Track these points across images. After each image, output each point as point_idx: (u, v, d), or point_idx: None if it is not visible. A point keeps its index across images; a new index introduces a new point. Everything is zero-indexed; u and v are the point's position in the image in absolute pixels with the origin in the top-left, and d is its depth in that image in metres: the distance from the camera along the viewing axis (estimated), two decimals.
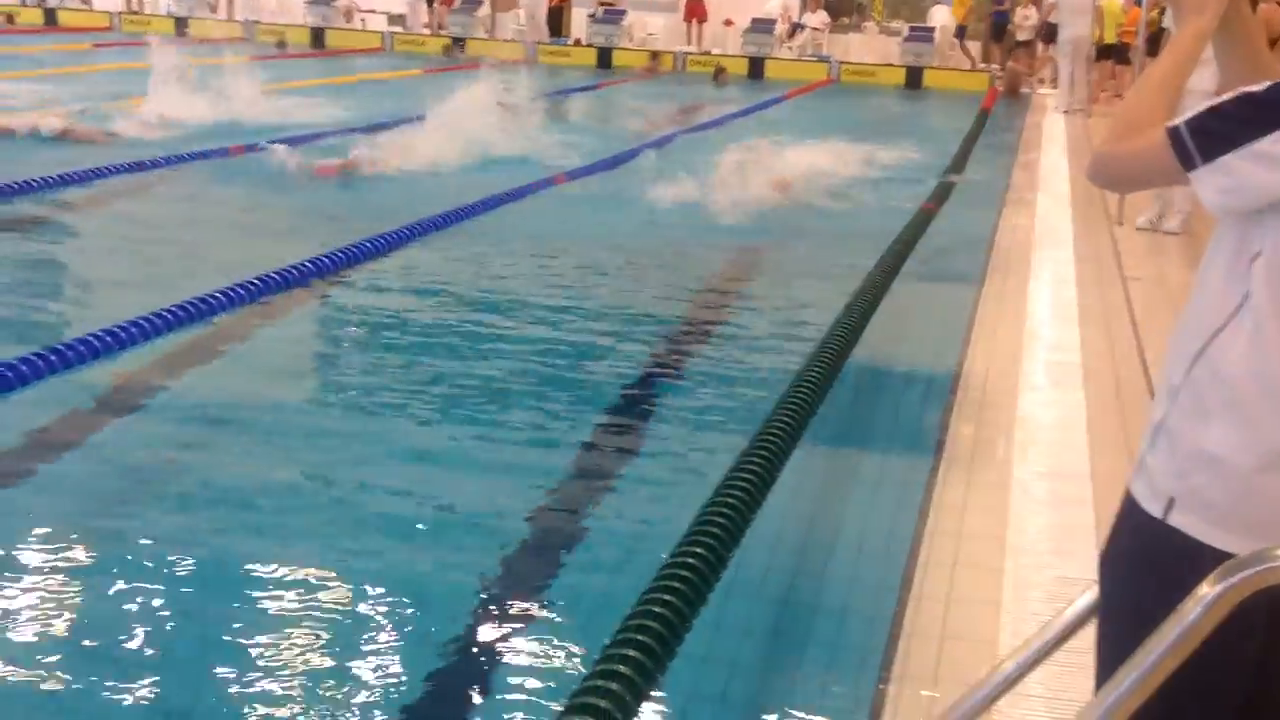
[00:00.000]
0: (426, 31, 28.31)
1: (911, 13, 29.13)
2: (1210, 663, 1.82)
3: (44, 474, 5.03)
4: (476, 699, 3.62)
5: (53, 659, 3.61)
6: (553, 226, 9.86)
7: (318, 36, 27.31)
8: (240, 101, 14.43)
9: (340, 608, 3.99)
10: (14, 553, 4.21)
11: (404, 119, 13.58)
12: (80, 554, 4.25)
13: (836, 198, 11.42)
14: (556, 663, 3.72)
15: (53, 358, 5.85)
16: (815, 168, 12.24)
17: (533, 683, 3.61)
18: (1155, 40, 14.86)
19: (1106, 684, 1.80)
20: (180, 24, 27.23)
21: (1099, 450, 5.15)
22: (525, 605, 4.09)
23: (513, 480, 5.12)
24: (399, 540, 4.52)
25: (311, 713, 3.41)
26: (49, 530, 4.39)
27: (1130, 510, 2.09)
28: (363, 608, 3.99)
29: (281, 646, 3.71)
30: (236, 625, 3.84)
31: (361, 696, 3.50)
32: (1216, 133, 1.95)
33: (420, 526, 4.67)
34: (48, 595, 3.95)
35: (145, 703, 3.45)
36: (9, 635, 3.72)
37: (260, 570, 4.18)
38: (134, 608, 3.88)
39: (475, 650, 3.84)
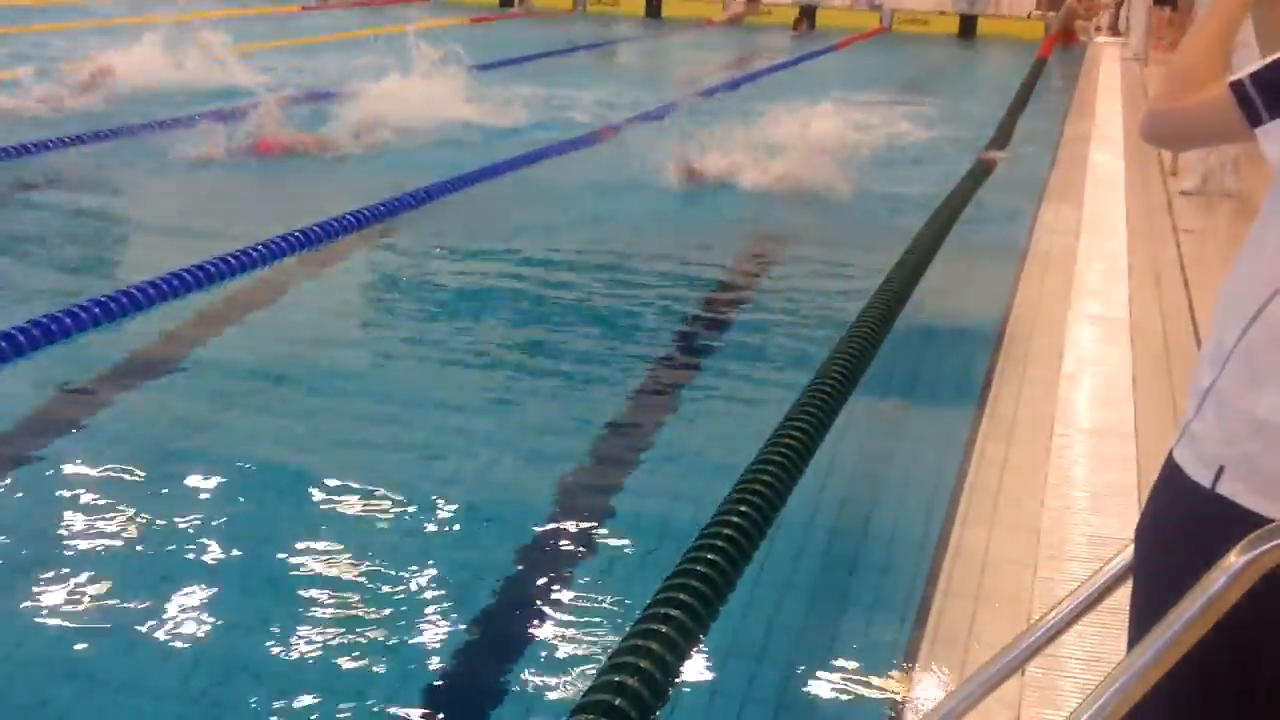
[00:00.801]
0: None
1: None
2: (1244, 635, 1.79)
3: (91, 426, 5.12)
4: (523, 645, 3.65)
5: (112, 602, 3.69)
6: (603, 177, 9.82)
7: None
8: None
9: (388, 552, 4.04)
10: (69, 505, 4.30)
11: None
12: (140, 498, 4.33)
13: (890, 151, 11.31)
14: (596, 623, 3.73)
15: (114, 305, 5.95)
16: (864, 121, 12.11)
17: (573, 640, 3.64)
18: None
19: (1130, 652, 1.79)
20: None
21: (1144, 409, 5.10)
22: (568, 557, 4.13)
23: (557, 435, 5.16)
24: (443, 493, 4.54)
25: (361, 658, 3.46)
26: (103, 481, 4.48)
27: (1173, 476, 2.02)
28: (407, 558, 4.03)
29: (335, 593, 3.76)
30: (290, 575, 3.91)
31: (409, 641, 3.55)
32: None
33: (463, 480, 4.72)
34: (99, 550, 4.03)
35: (205, 653, 3.52)
36: (70, 578, 3.80)
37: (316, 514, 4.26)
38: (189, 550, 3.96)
39: (519, 602, 3.88)
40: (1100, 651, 3.20)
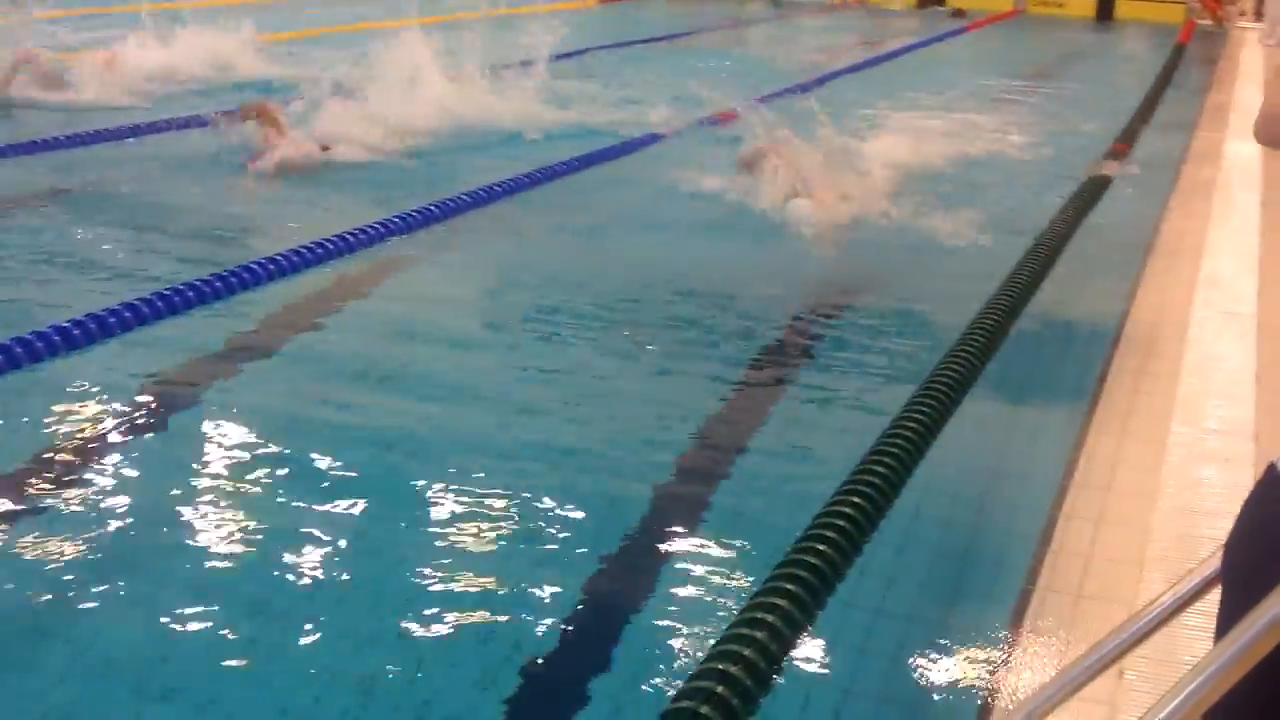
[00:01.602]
0: None
1: None
2: None
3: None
4: (627, 629, 3.73)
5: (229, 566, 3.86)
6: (715, 164, 9.82)
7: None
8: None
9: (504, 520, 4.18)
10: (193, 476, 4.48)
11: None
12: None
13: (1022, 138, 11.12)
14: (700, 611, 3.77)
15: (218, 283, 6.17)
16: (982, 115, 11.93)
17: (677, 629, 3.68)
18: None
19: (1197, 663, 1.78)
20: None
21: (1266, 408, 4.97)
22: (679, 540, 4.19)
23: (672, 415, 5.22)
24: (547, 484, 4.59)
25: (471, 638, 3.57)
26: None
27: (1275, 487, 1.99)
28: (522, 525, 4.16)
29: (444, 575, 3.88)
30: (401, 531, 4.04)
31: (516, 621, 3.65)
32: None
33: (577, 458, 4.81)
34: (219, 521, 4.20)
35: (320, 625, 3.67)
36: (185, 539, 3.97)
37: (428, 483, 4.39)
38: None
39: (626, 587, 3.95)
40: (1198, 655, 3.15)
